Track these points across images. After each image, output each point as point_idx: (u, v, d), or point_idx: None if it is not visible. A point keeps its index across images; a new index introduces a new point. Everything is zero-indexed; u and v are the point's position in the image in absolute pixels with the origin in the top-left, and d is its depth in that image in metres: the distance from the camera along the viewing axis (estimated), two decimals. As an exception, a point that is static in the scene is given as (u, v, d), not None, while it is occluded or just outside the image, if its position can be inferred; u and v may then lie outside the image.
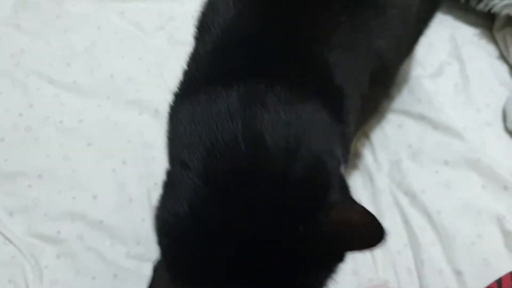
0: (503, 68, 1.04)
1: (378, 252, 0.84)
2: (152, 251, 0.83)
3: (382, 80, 0.78)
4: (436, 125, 0.96)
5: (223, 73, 0.60)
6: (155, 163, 0.90)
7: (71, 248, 0.83)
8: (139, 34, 1.06)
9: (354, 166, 0.92)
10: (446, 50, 1.06)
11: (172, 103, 0.66)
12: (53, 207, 0.86)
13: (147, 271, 0.82)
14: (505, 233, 0.85)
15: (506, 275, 0.75)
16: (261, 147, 0.52)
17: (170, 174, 0.57)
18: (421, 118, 0.97)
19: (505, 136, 0.96)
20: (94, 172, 0.89)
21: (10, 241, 0.84)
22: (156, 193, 0.86)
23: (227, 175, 0.51)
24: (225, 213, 0.50)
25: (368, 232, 0.50)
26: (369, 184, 0.90)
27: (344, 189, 0.58)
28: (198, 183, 0.51)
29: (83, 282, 0.80)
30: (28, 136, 0.92)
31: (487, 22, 1.10)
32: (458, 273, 0.83)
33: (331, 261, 0.54)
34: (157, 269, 0.53)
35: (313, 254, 0.51)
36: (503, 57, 1.05)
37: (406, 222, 0.88)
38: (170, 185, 0.56)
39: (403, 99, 1.01)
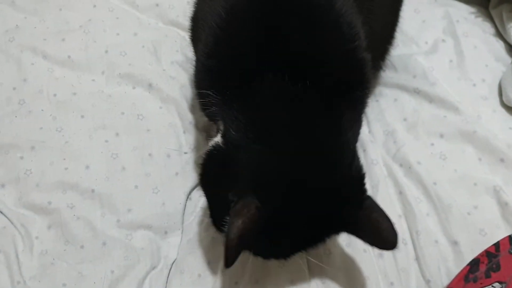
0: (498, 44, 1.03)
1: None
2: (142, 218, 0.83)
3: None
4: (431, 99, 0.95)
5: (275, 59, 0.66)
6: (149, 135, 0.90)
7: (61, 218, 0.82)
8: (134, 12, 1.06)
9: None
10: (440, 27, 1.06)
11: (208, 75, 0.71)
12: (45, 178, 0.85)
13: (136, 241, 0.82)
14: (502, 204, 0.84)
15: (504, 239, 0.74)
16: (321, 150, 0.65)
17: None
18: (416, 92, 0.97)
19: (501, 109, 0.95)
20: (87, 143, 0.88)
21: (1, 212, 0.83)
22: (150, 162, 0.87)
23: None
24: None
25: (386, 238, 0.66)
26: (362, 155, 0.89)
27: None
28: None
29: (71, 251, 0.79)
30: (21, 109, 0.91)
31: (483, 0, 1.10)
32: (454, 243, 0.81)
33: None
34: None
35: (342, 221, 0.68)
36: (498, 34, 1.05)
37: (401, 193, 0.87)
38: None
39: (398, 76, 1.01)
